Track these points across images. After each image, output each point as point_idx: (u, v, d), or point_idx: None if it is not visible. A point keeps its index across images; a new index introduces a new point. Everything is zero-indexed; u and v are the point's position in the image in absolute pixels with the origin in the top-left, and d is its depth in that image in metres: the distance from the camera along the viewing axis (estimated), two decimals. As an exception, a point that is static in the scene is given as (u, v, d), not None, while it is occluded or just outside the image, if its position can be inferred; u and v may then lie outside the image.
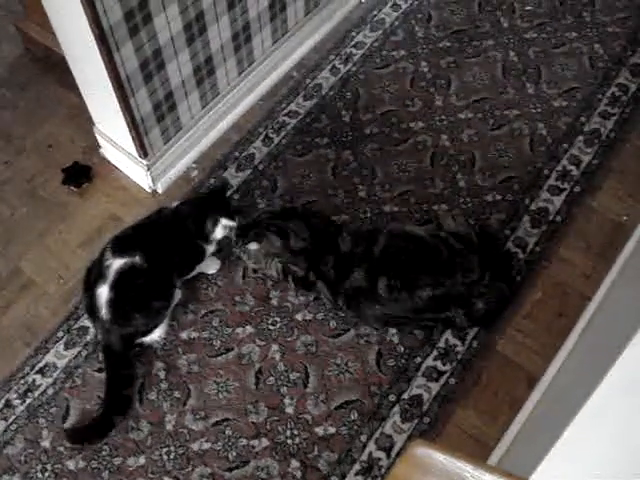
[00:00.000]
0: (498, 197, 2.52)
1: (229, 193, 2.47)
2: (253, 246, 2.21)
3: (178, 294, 2.24)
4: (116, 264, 2.06)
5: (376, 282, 2.12)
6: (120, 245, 2.12)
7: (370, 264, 2.15)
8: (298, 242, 2.18)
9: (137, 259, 2.06)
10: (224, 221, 2.20)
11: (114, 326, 2.09)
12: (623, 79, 2.86)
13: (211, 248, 2.26)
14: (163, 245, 2.14)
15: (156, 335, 2.19)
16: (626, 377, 1.30)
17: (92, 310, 2.11)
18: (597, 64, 2.90)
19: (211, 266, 2.34)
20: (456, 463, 1.22)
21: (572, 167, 2.60)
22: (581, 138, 2.68)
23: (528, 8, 3.08)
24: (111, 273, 2.05)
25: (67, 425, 2.13)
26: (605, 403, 1.34)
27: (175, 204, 2.27)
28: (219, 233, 2.22)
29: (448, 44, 2.96)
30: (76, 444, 2.09)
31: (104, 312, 2.07)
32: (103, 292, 2.06)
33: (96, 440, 2.09)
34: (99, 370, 2.21)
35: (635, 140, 2.69)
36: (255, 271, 2.35)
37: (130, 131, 2.31)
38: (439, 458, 1.24)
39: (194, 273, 2.29)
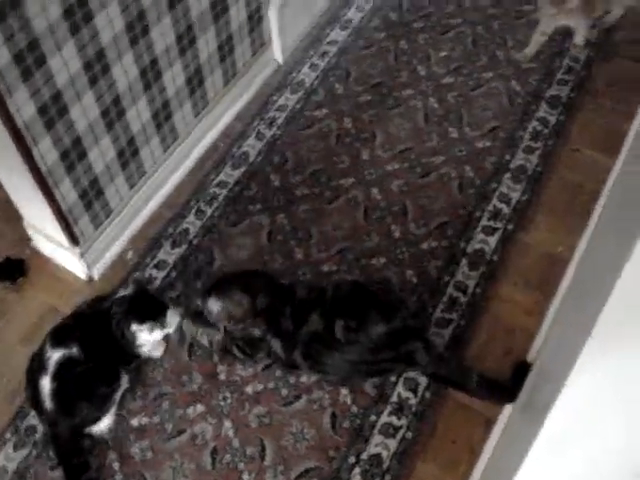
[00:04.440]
0: (434, 244, 2.54)
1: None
2: (215, 305, 2.11)
3: (125, 380, 2.20)
4: (55, 356, 2.04)
5: (332, 327, 2.10)
6: (58, 336, 2.10)
7: (324, 309, 2.13)
8: (264, 300, 2.14)
9: (74, 350, 2.05)
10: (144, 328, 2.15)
11: (60, 417, 2.06)
12: (542, 112, 2.94)
13: (143, 349, 2.22)
14: (99, 336, 2.12)
15: (104, 425, 2.15)
16: (568, 419, 1.31)
17: (37, 402, 2.08)
18: (516, 101, 2.97)
19: (156, 349, 2.31)
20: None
21: (503, 205, 2.64)
22: (508, 175, 2.73)
23: (443, 54, 3.16)
24: (51, 365, 2.04)
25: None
26: (551, 445, 1.35)
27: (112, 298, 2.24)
28: (144, 340, 2.18)
29: (369, 97, 3.01)
30: None
31: (48, 403, 2.04)
32: (45, 384, 2.04)
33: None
34: (52, 468, 2.15)
35: (561, 171, 2.75)
36: (198, 346, 2.33)
37: (59, 222, 2.29)
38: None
39: (133, 365, 2.26)
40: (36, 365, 2.09)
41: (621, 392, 1.19)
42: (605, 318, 1.17)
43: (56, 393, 2.04)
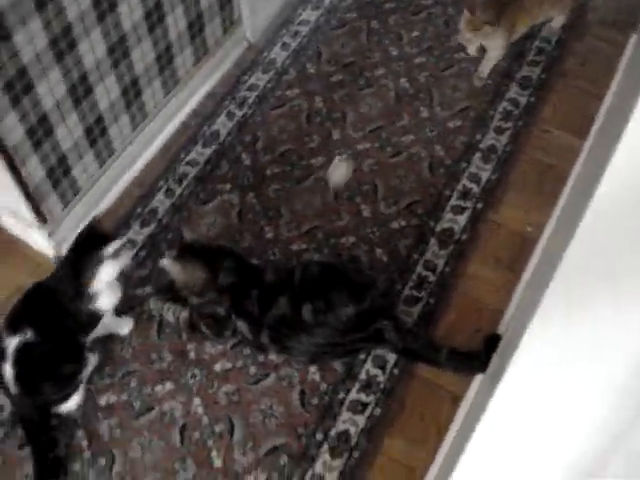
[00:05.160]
0: (403, 223, 2.55)
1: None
2: (171, 268, 2.07)
3: (93, 359, 2.19)
4: (12, 343, 2.01)
5: (300, 310, 2.09)
6: (11, 323, 2.05)
7: (292, 292, 2.13)
8: (228, 278, 2.13)
9: (29, 335, 2.00)
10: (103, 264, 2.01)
11: (26, 399, 2.06)
12: (513, 93, 2.96)
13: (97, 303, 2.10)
14: (50, 313, 2.07)
15: (72, 403, 2.14)
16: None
17: (2, 383, 2.06)
18: (487, 81, 2.97)
19: (123, 326, 2.30)
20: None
21: (472, 185, 2.65)
22: (478, 155, 2.74)
23: (414, 34, 3.16)
24: (9, 353, 2.01)
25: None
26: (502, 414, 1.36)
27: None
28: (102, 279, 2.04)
29: (340, 77, 3.00)
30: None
31: (12, 387, 2.03)
32: (7, 369, 2.01)
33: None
34: (19, 447, 2.13)
35: (530, 152, 2.77)
36: (167, 324, 2.32)
37: (26, 200, 2.27)
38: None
39: (99, 334, 2.22)
40: None
41: (567, 364, 1.20)
42: (551, 293, 1.18)
43: (19, 378, 2.02)
